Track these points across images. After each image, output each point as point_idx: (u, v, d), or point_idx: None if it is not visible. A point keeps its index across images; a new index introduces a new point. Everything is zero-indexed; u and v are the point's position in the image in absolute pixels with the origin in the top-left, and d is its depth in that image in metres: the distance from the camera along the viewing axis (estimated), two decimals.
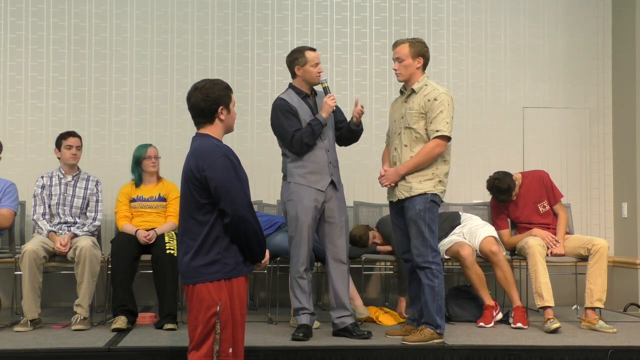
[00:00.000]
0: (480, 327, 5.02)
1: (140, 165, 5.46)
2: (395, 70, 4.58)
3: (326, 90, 4.67)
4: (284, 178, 4.72)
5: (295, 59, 4.67)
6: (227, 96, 3.33)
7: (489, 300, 5.14)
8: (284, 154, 4.74)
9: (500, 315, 5.15)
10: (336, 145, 4.81)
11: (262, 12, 6.56)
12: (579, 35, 6.80)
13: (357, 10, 6.65)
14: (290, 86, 4.75)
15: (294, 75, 4.72)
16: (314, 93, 4.78)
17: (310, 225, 4.57)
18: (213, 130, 3.32)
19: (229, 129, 3.39)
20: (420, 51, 4.53)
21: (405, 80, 4.59)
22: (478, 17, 6.75)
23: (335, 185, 4.67)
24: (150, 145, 5.52)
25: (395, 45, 4.58)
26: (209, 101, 3.27)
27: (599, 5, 6.80)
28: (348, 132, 4.79)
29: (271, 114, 4.70)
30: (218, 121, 3.32)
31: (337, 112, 4.77)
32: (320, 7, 6.62)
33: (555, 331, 4.88)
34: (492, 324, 5.03)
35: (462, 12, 6.73)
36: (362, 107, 4.71)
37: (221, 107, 3.30)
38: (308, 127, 4.54)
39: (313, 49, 4.72)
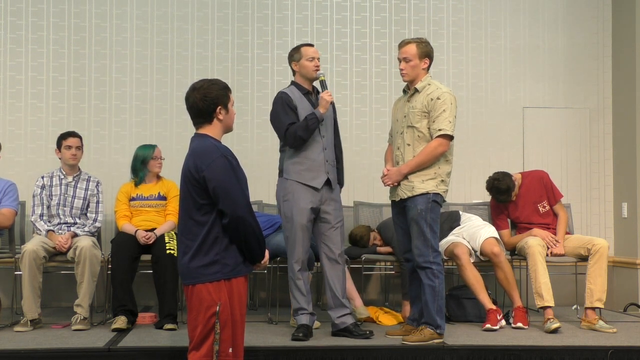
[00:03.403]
0: (487, 329, 4.93)
1: (147, 165, 5.45)
2: (401, 70, 4.56)
3: (323, 84, 4.68)
4: (280, 174, 4.73)
5: (292, 55, 4.74)
6: (226, 96, 3.33)
7: (490, 304, 5.06)
8: (282, 150, 4.75)
9: (503, 322, 5.09)
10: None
11: (262, 12, 6.56)
12: (579, 35, 6.80)
13: (357, 10, 6.65)
14: (292, 83, 4.78)
15: (294, 73, 4.76)
16: (316, 91, 4.79)
17: (304, 226, 4.58)
18: (212, 130, 3.32)
19: (228, 129, 3.39)
20: (427, 52, 4.54)
21: (411, 80, 4.57)
22: (478, 17, 6.75)
23: (331, 184, 4.67)
24: (156, 145, 5.53)
25: (402, 45, 4.57)
26: (207, 101, 3.27)
27: (599, 5, 6.80)
28: None
29: (272, 107, 4.72)
30: (217, 121, 3.32)
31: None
32: (320, 7, 6.62)
33: (555, 331, 4.88)
34: (498, 326, 4.97)
35: (462, 12, 6.73)
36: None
37: (219, 106, 3.30)
38: (303, 121, 4.56)
39: (310, 45, 4.77)
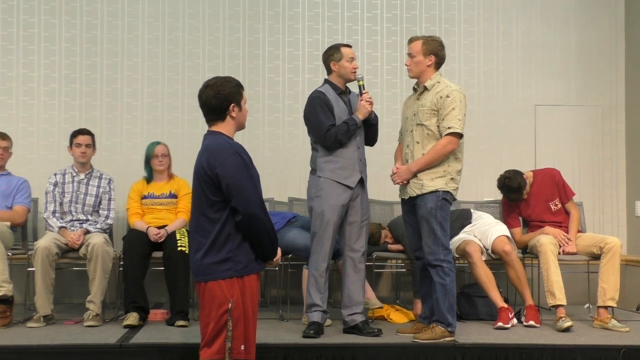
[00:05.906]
0: (499, 328, 4.90)
1: (150, 163, 5.47)
2: (406, 65, 4.63)
3: (361, 88, 4.65)
4: (313, 172, 4.72)
5: (331, 54, 4.70)
6: (239, 93, 3.34)
7: (501, 303, 5.05)
8: (314, 148, 4.73)
9: (515, 321, 5.07)
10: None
11: (274, 9, 6.56)
12: (591, 32, 6.76)
13: (369, 8, 6.64)
14: (326, 81, 4.76)
15: (329, 71, 4.74)
16: (348, 91, 4.78)
17: (335, 224, 4.58)
18: (224, 127, 3.33)
19: (240, 126, 3.40)
20: (433, 50, 4.53)
21: (415, 77, 4.61)
22: (489, 15, 6.72)
23: (363, 183, 4.67)
24: (160, 143, 5.52)
25: (410, 41, 4.63)
26: (220, 98, 3.28)
27: (612, 3, 6.76)
28: (366, 127, 4.76)
29: (307, 105, 4.69)
30: (229, 118, 3.33)
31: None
32: (332, 4, 6.61)
33: (567, 330, 4.86)
34: (509, 325, 4.95)
35: (474, 9, 6.71)
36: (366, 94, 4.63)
37: (232, 104, 3.31)
38: (344, 125, 4.56)
39: (349, 45, 4.76)
